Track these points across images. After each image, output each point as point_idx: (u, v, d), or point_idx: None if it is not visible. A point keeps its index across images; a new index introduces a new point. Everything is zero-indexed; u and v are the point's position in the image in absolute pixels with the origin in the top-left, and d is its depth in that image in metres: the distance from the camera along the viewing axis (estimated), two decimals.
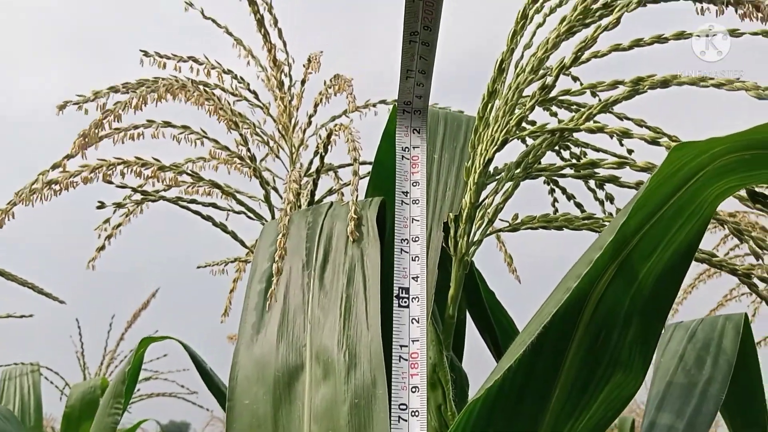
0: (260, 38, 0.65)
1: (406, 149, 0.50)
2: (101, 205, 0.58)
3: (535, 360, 0.40)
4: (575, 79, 0.55)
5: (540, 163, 0.52)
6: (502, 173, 0.51)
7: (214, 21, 0.69)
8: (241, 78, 0.66)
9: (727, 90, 0.46)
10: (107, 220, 0.65)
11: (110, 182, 0.59)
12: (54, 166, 0.51)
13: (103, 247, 0.65)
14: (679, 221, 0.41)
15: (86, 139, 0.48)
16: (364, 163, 0.65)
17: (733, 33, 0.50)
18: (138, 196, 0.60)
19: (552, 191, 0.59)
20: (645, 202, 0.39)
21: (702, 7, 0.51)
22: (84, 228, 0.66)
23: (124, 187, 0.60)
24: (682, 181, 0.39)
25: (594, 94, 0.53)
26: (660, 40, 0.51)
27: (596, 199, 0.56)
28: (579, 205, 0.58)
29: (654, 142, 0.46)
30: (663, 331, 0.70)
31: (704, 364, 0.60)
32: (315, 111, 0.65)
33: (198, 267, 0.75)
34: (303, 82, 0.66)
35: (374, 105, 0.68)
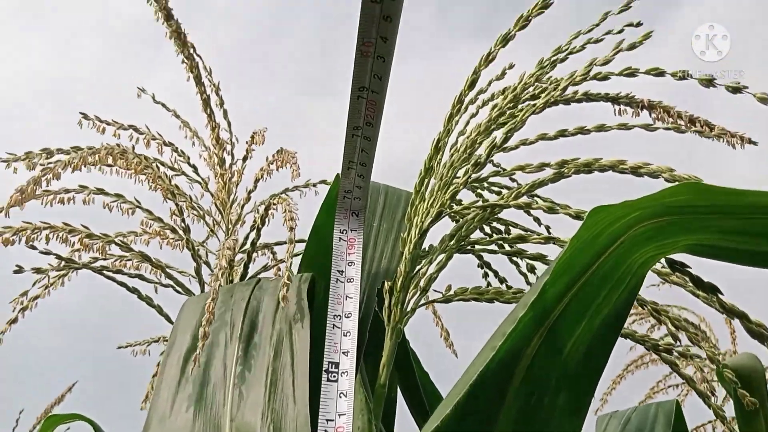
0: (205, 117, 0.67)
1: (344, 231, 0.51)
2: (19, 270, 0.55)
3: (464, 423, 0.39)
4: (502, 169, 0.57)
5: (471, 237, 0.53)
6: (436, 245, 0.52)
7: (163, 105, 0.71)
8: (182, 151, 0.66)
9: (644, 173, 0.49)
10: (25, 293, 0.61)
11: (33, 248, 0.56)
12: None
13: (15, 320, 0.60)
14: (606, 288, 0.42)
15: (23, 195, 0.46)
16: (299, 240, 0.65)
17: (648, 127, 0.55)
18: (61, 265, 0.57)
19: (481, 266, 0.60)
20: (568, 265, 0.40)
21: (620, 108, 0.56)
22: None
23: (47, 253, 0.57)
24: (602, 246, 0.40)
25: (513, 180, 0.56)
26: (583, 131, 0.56)
27: (520, 272, 0.57)
28: (503, 280, 0.59)
29: (578, 217, 0.48)
30: (599, 421, 0.69)
31: None
32: (255, 187, 0.66)
33: (119, 347, 0.71)
34: (245, 158, 0.67)
35: (314, 185, 0.69)
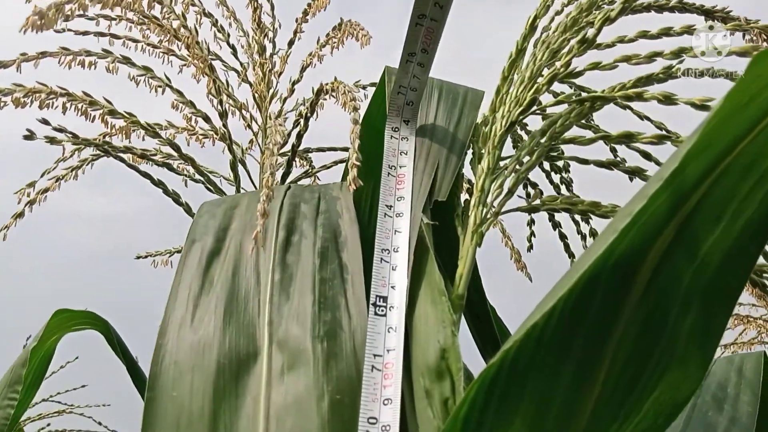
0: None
1: (393, 167, 0.47)
2: (30, 135, 0.46)
3: (570, 326, 0.31)
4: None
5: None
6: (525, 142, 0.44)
7: None
8: (221, 27, 0.57)
9: None
10: (32, 183, 0.54)
11: (46, 122, 0.48)
12: None
13: (21, 214, 0.53)
14: (752, 178, 0.33)
15: (42, 21, 0.37)
16: (344, 148, 0.58)
17: None
18: (77, 140, 0.49)
19: (554, 171, 0.53)
20: (713, 136, 0.29)
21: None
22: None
23: (61, 130, 0.49)
24: (756, 116, 0.30)
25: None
26: (689, 30, 0.50)
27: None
28: (575, 196, 0.52)
29: (703, 107, 0.40)
30: None
31: (723, 404, 0.52)
32: (301, 77, 0.57)
33: (137, 257, 0.64)
34: (291, 42, 0.58)
35: (364, 87, 0.60)
